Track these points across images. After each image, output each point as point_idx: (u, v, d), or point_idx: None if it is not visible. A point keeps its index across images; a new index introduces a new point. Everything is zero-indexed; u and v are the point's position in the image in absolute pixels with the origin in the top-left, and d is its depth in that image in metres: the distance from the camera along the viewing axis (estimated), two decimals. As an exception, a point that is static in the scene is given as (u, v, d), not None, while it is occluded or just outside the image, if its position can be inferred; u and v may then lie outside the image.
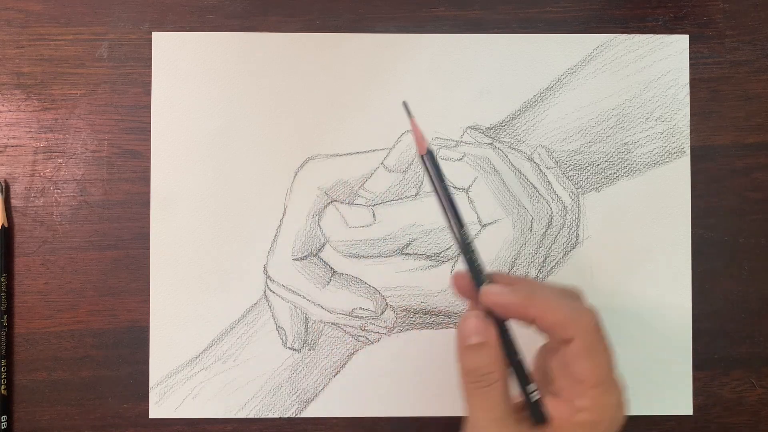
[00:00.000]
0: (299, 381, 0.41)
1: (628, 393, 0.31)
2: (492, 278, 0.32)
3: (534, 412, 0.30)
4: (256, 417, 0.41)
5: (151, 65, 0.42)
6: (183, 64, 0.42)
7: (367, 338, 0.41)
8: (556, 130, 0.42)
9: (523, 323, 0.31)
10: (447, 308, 0.41)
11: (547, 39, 0.42)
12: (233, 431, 0.41)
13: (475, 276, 0.31)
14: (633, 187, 0.42)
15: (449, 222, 0.32)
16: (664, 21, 0.42)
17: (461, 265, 0.41)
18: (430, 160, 0.32)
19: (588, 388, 0.29)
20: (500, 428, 0.30)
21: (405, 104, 0.33)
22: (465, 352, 0.31)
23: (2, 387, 0.40)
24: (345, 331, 0.41)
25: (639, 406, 0.41)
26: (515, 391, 0.31)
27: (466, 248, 0.31)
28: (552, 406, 0.30)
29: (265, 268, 0.41)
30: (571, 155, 0.42)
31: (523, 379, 0.31)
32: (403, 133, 0.42)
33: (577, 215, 0.41)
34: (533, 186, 0.41)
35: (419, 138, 0.32)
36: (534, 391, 0.31)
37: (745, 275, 0.42)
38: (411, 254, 0.41)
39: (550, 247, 0.41)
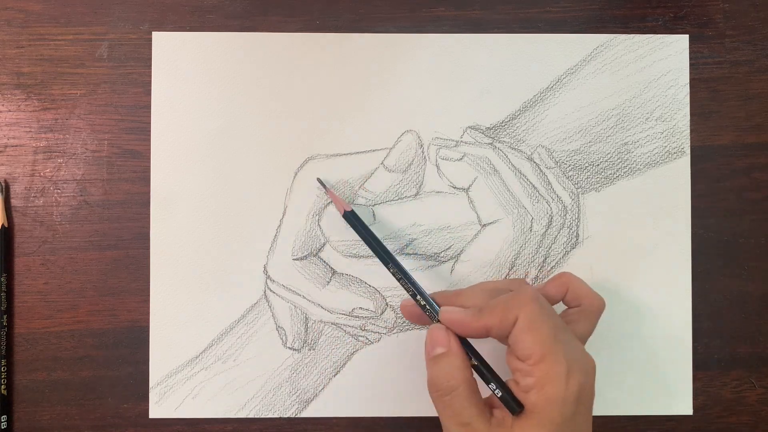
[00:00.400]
0: (299, 381, 0.41)
1: (588, 360, 0.32)
2: (439, 299, 0.35)
3: (506, 405, 0.32)
4: (256, 417, 0.41)
5: (151, 65, 0.42)
6: (183, 64, 0.42)
7: (367, 338, 0.41)
8: (556, 130, 0.42)
9: (479, 337, 0.33)
10: (447, 308, 0.41)
11: (547, 39, 0.42)
12: (233, 431, 0.41)
13: (428, 302, 0.35)
14: (633, 187, 0.42)
15: (391, 272, 0.36)
16: (664, 21, 0.42)
17: (462, 267, 0.41)
18: (351, 218, 0.38)
19: (532, 365, 0.31)
20: None
21: (319, 180, 0.40)
22: (430, 363, 0.34)
23: (2, 387, 0.40)
24: (345, 331, 0.41)
25: (639, 406, 0.41)
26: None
27: (414, 288, 0.36)
28: (519, 397, 0.32)
29: (265, 268, 0.41)
30: (571, 155, 0.42)
31: (486, 379, 0.33)
32: (403, 133, 0.42)
33: (577, 215, 0.41)
34: (533, 186, 0.41)
35: (337, 202, 0.39)
36: (495, 389, 0.32)
37: (745, 275, 0.42)
38: (411, 254, 0.41)
39: (550, 247, 0.41)
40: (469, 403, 0.32)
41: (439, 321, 0.34)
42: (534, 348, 0.31)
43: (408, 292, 0.36)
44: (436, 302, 0.35)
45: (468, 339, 0.34)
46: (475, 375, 0.33)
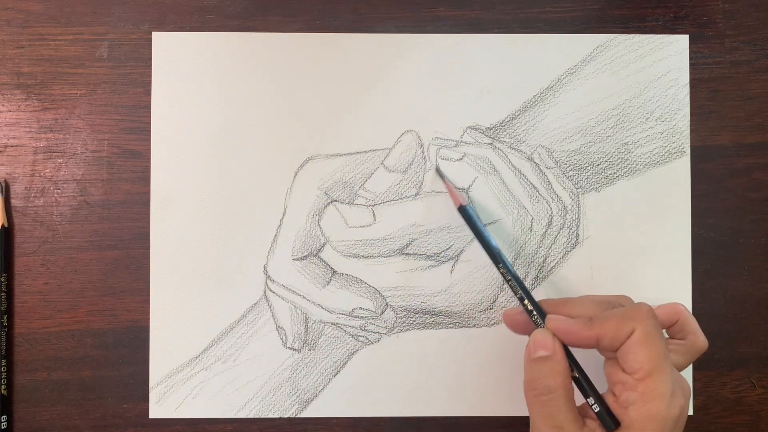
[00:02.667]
0: (299, 381, 0.41)
1: (687, 385, 0.32)
2: (546, 306, 0.36)
3: (602, 421, 0.32)
4: (256, 417, 0.41)
5: (151, 65, 0.42)
6: (183, 64, 0.42)
7: (367, 338, 0.41)
8: (556, 130, 0.42)
9: (586, 347, 0.33)
10: (447, 308, 0.41)
11: (547, 39, 0.42)
12: (233, 431, 0.41)
13: (535, 308, 0.35)
14: (633, 187, 0.42)
15: (501, 272, 0.36)
16: (664, 21, 0.42)
17: (462, 267, 0.41)
18: (464, 213, 0.38)
19: (638, 381, 0.31)
20: None
21: (438, 169, 0.41)
22: (530, 364, 0.34)
23: (2, 387, 0.40)
24: (345, 331, 0.41)
25: (639, 406, 0.41)
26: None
27: (523, 292, 0.36)
28: (615, 412, 0.32)
29: (265, 268, 0.41)
30: (571, 155, 0.42)
31: (585, 392, 0.33)
32: (403, 133, 0.42)
33: (577, 215, 0.41)
34: (533, 186, 0.41)
35: (454, 195, 0.39)
36: (593, 403, 0.33)
37: (745, 275, 0.42)
38: (411, 254, 0.41)
39: (550, 247, 0.41)
40: (565, 407, 0.32)
41: (543, 327, 0.35)
42: (645, 362, 0.31)
43: (516, 294, 0.36)
44: (542, 310, 0.35)
45: (570, 349, 0.34)
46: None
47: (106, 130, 0.42)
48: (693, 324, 0.36)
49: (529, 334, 0.35)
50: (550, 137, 0.42)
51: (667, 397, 0.30)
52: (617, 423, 0.32)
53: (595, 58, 0.42)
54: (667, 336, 0.37)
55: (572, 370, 0.34)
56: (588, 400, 0.33)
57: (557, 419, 0.32)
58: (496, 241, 0.38)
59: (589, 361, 0.35)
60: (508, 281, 0.36)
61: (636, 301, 0.36)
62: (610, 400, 0.32)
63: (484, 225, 0.39)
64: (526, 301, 0.35)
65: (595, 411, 0.32)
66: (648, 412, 0.30)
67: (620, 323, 0.32)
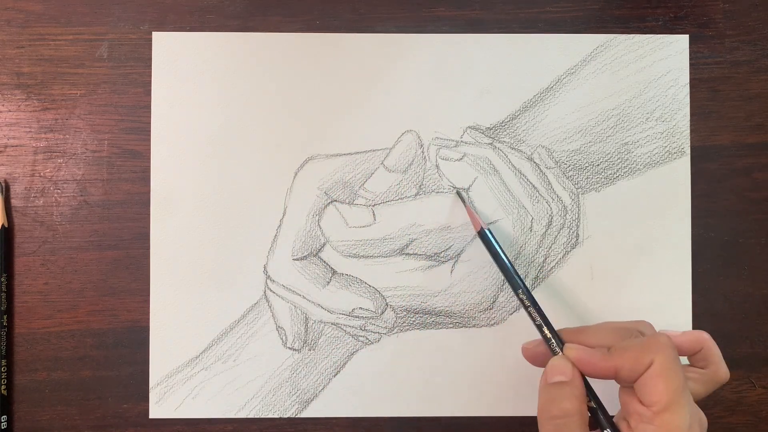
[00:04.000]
0: (299, 381, 0.41)
1: (704, 418, 0.32)
2: (563, 335, 0.35)
3: None
4: (256, 417, 0.41)
5: (151, 65, 0.42)
6: (183, 64, 0.42)
7: (367, 338, 0.41)
8: (556, 130, 0.42)
9: (604, 377, 0.33)
10: (447, 308, 0.41)
11: (547, 39, 0.42)
12: (233, 431, 0.41)
13: (554, 337, 0.35)
14: (633, 187, 0.42)
15: (519, 299, 0.36)
16: (664, 21, 0.42)
17: (462, 267, 0.41)
18: (484, 237, 0.38)
19: (655, 414, 0.30)
20: None
21: (459, 192, 0.41)
22: (547, 388, 0.33)
23: (2, 387, 0.40)
24: (345, 331, 0.41)
25: (639, 406, 0.41)
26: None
27: (542, 319, 0.35)
28: None
29: (265, 268, 0.41)
30: (571, 155, 0.42)
31: (602, 424, 0.33)
32: (403, 133, 0.42)
33: (577, 215, 0.41)
34: (533, 186, 0.41)
35: (474, 220, 0.39)
36: None
37: (745, 275, 0.42)
38: (411, 254, 0.41)
39: (550, 247, 0.41)
40: (580, 430, 0.31)
41: (569, 344, 0.34)
42: (663, 395, 0.30)
43: (534, 322, 0.35)
44: (560, 338, 0.35)
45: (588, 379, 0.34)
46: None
47: (106, 130, 0.42)
48: (716, 354, 0.36)
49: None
50: (550, 137, 0.42)
51: (684, 431, 0.30)
52: None
53: (595, 58, 0.42)
54: (688, 363, 0.37)
55: (589, 400, 0.33)
56: (605, 431, 0.33)
57: None
58: (514, 264, 0.38)
59: (602, 388, 0.35)
60: (526, 308, 0.35)
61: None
62: (624, 430, 0.32)
63: (500, 246, 0.38)
64: (545, 329, 0.35)
65: None
66: None
67: (639, 354, 0.31)
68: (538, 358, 0.36)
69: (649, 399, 0.31)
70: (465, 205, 0.40)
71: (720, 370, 0.36)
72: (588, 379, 0.33)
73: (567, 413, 0.32)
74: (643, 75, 0.42)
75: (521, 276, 0.37)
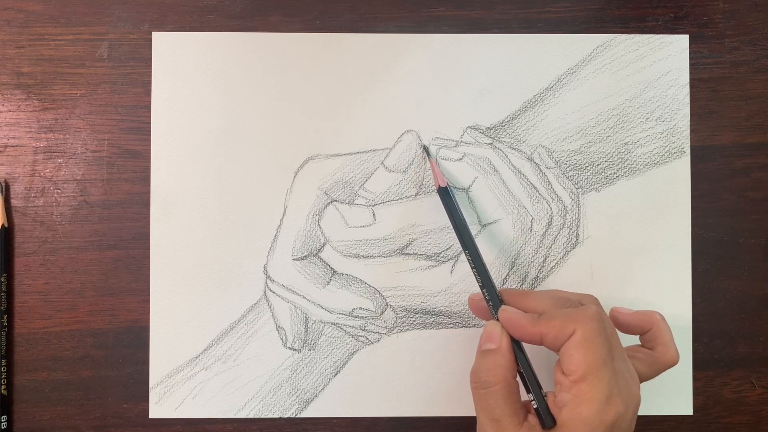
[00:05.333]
0: (299, 381, 0.41)
1: (633, 394, 0.32)
2: (505, 296, 0.36)
3: (539, 417, 0.32)
4: (256, 417, 0.41)
5: (151, 65, 0.42)
6: (183, 64, 0.42)
7: (367, 338, 0.41)
8: (556, 130, 0.42)
9: (532, 342, 0.33)
10: (447, 308, 0.41)
11: (547, 39, 0.42)
12: (233, 431, 0.41)
13: (492, 298, 0.36)
14: (633, 187, 0.42)
15: (467, 258, 0.37)
16: (664, 21, 0.42)
17: (462, 267, 0.41)
18: (444, 194, 0.38)
19: (572, 383, 0.31)
20: (497, 428, 0.32)
21: (426, 148, 0.41)
22: (479, 355, 0.34)
23: (2, 387, 0.40)
24: (345, 331, 0.41)
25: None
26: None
27: (484, 281, 0.36)
28: (552, 411, 0.32)
29: (265, 268, 0.41)
30: (571, 155, 0.42)
31: (526, 387, 0.33)
32: (403, 133, 0.42)
33: (577, 215, 0.41)
34: (533, 186, 0.41)
35: (436, 174, 0.39)
36: (533, 399, 0.33)
37: (745, 275, 0.42)
38: (411, 254, 0.41)
39: (550, 247, 0.41)
40: (504, 402, 0.32)
41: (504, 306, 0.35)
42: (580, 365, 0.30)
43: (477, 282, 0.36)
44: (501, 299, 0.35)
45: (522, 343, 0.34)
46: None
47: (106, 130, 0.42)
48: (665, 336, 0.36)
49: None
50: (550, 137, 0.42)
51: (599, 402, 0.30)
52: (554, 421, 0.31)
53: (595, 58, 0.42)
54: (639, 343, 0.37)
55: (518, 364, 0.34)
56: (528, 395, 0.33)
57: (494, 412, 0.32)
58: (472, 229, 0.38)
59: (552, 357, 0.35)
60: (472, 268, 0.36)
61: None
62: (549, 399, 0.32)
63: (465, 214, 0.39)
64: (484, 290, 0.36)
65: (534, 407, 0.33)
66: (578, 415, 0.30)
67: (563, 323, 0.32)
68: (481, 311, 0.37)
69: (567, 368, 0.31)
70: (429, 160, 0.41)
71: (668, 352, 0.36)
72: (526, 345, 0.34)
73: (490, 384, 0.33)
74: (643, 75, 0.42)
75: (476, 243, 0.37)
